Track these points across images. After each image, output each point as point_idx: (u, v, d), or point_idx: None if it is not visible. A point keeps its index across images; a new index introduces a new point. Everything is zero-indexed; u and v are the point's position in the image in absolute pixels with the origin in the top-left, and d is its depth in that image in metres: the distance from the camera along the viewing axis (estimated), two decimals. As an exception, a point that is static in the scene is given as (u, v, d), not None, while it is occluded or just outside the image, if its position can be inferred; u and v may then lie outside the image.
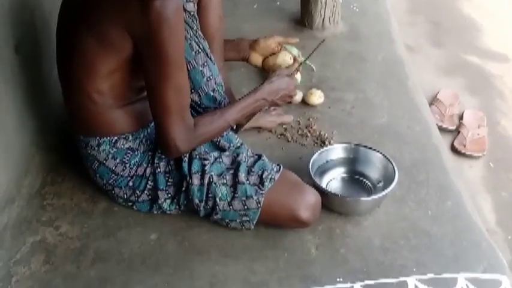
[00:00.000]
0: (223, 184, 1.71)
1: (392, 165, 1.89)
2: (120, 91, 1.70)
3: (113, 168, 1.77)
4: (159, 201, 1.78)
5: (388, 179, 1.87)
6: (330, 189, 1.88)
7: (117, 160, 1.76)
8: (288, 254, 1.71)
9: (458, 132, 2.92)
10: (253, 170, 1.74)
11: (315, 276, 1.65)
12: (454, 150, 2.83)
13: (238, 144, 1.87)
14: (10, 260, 1.69)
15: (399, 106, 2.37)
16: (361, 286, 1.62)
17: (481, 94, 3.27)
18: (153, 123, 1.73)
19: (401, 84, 2.53)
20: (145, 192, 1.78)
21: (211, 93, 1.87)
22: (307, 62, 2.13)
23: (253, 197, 1.70)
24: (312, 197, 1.75)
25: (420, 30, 3.89)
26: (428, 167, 2.04)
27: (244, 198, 1.70)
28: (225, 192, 1.71)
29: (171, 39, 1.54)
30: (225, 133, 1.84)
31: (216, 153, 1.79)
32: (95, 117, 1.73)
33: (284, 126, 2.23)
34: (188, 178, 1.72)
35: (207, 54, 1.88)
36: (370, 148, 1.97)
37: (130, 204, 1.83)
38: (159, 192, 1.76)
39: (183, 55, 1.63)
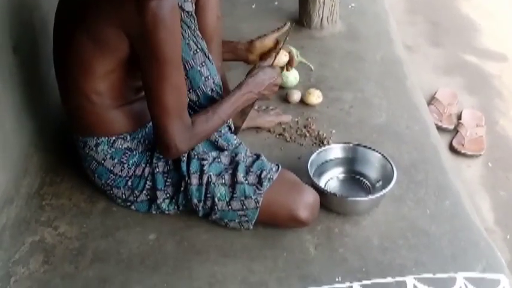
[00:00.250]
0: (222, 184, 1.71)
1: (391, 164, 1.89)
2: (118, 91, 1.70)
3: (111, 168, 1.77)
4: (158, 201, 1.78)
5: (386, 179, 1.87)
6: (328, 189, 1.88)
7: (116, 160, 1.76)
8: (287, 254, 1.71)
9: (457, 131, 2.93)
10: (251, 169, 1.74)
11: (314, 275, 1.65)
12: (452, 149, 2.83)
13: (237, 144, 1.87)
14: (9, 260, 1.69)
15: (398, 106, 2.37)
16: (359, 286, 1.62)
17: (479, 94, 3.27)
18: (151, 123, 1.73)
19: (400, 83, 2.53)
20: (144, 192, 1.78)
21: (210, 93, 1.87)
22: (303, 60, 2.12)
23: (252, 196, 1.70)
24: (310, 197, 1.75)
25: (419, 30, 3.89)
26: (426, 166, 2.04)
27: (242, 198, 1.70)
28: (224, 192, 1.71)
29: (167, 39, 1.54)
30: (223, 132, 1.83)
31: (214, 153, 1.79)
32: (93, 118, 1.73)
33: (282, 126, 2.23)
34: (187, 178, 1.72)
35: (205, 54, 1.88)
36: (369, 148, 1.97)
37: (129, 204, 1.83)
38: (158, 192, 1.76)
39: (180, 55, 1.63)
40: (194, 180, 1.71)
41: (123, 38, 1.58)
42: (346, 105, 2.36)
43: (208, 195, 1.72)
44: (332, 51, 2.74)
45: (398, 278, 1.64)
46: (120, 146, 1.76)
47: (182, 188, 1.73)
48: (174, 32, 1.57)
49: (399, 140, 2.17)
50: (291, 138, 2.18)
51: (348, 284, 1.63)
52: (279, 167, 1.77)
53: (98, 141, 1.75)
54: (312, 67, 2.36)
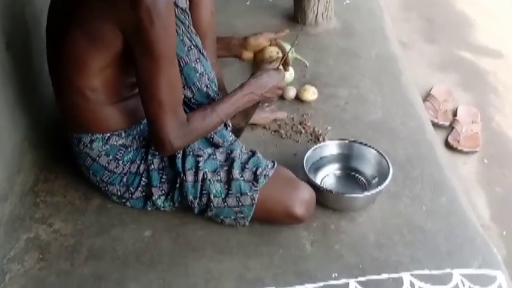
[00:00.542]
0: (218, 181, 1.71)
1: (387, 161, 1.89)
2: (112, 88, 1.69)
3: (106, 165, 1.76)
4: (153, 198, 1.77)
5: (382, 175, 1.87)
6: (324, 186, 1.88)
7: (110, 157, 1.76)
8: (283, 251, 1.71)
9: (452, 128, 2.93)
10: (247, 166, 1.73)
11: (310, 272, 1.65)
12: (448, 146, 2.84)
13: (232, 141, 1.86)
14: (4, 257, 1.68)
15: (393, 102, 2.37)
16: (356, 282, 1.62)
17: (474, 90, 3.28)
18: (146, 120, 1.72)
19: (395, 80, 2.53)
20: (139, 189, 1.78)
21: (205, 89, 1.87)
22: (298, 56, 2.12)
23: (248, 193, 1.69)
24: (306, 193, 1.75)
25: (413, 27, 3.89)
26: (422, 163, 2.04)
27: (238, 195, 1.70)
28: (219, 188, 1.71)
29: (161, 35, 1.54)
30: (218, 129, 1.83)
31: (209, 150, 1.78)
32: (87, 114, 1.72)
33: (278, 122, 2.23)
34: (182, 175, 1.71)
35: (200, 50, 1.87)
36: (365, 144, 1.97)
37: (124, 201, 1.82)
38: (153, 189, 1.76)
39: (175, 51, 1.62)
40: (189, 176, 1.71)
41: (118, 34, 1.57)
42: (342, 101, 2.36)
43: (204, 191, 1.71)
44: (327, 48, 2.73)
45: (394, 275, 1.64)
46: (115, 143, 1.75)
47: (177, 185, 1.73)
48: (169, 27, 1.56)
49: (395, 136, 2.17)
50: (286, 134, 2.17)
51: (344, 280, 1.63)
52: (274, 163, 1.77)
53: (93, 138, 1.74)
54: (307, 64, 2.35)
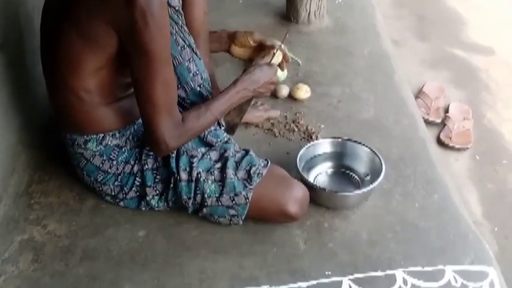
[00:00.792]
0: (211, 180, 1.71)
1: (379, 158, 1.90)
2: (107, 88, 1.69)
3: (100, 165, 1.77)
4: (147, 198, 1.77)
5: (375, 173, 1.88)
6: (317, 184, 1.89)
7: (104, 157, 1.76)
8: (277, 249, 1.72)
9: (444, 125, 2.94)
10: (241, 165, 1.74)
11: (304, 270, 1.66)
12: (440, 142, 2.85)
13: (226, 140, 1.87)
14: (-2, 259, 1.69)
15: (386, 100, 2.38)
16: (349, 280, 1.63)
17: (466, 87, 3.29)
18: (140, 120, 1.72)
19: (388, 78, 2.54)
20: (133, 189, 1.78)
21: (198, 89, 1.87)
22: (291, 54, 2.12)
23: (242, 192, 1.70)
24: (299, 192, 1.76)
25: (405, 24, 3.90)
26: (415, 160, 2.05)
27: (232, 194, 1.70)
28: (213, 188, 1.71)
29: (156, 35, 1.54)
30: (212, 128, 1.83)
31: (203, 149, 1.79)
32: (81, 115, 1.72)
33: (271, 121, 2.23)
34: (176, 174, 1.71)
35: (193, 50, 1.88)
36: (357, 142, 1.98)
37: (118, 201, 1.82)
38: (147, 189, 1.76)
39: (169, 51, 1.62)
40: (184, 176, 1.71)
41: (112, 34, 1.57)
42: (335, 99, 2.36)
43: (198, 191, 1.72)
44: (320, 46, 2.74)
45: (387, 272, 1.65)
46: (109, 143, 1.75)
47: (171, 185, 1.73)
48: (163, 27, 1.56)
49: (387, 134, 2.18)
50: (279, 133, 2.18)
51: (337, 278, 1.63)
52: (268, 162, 1.77)
53: (87, 138, 1.74)
54: (300, 62, 2.36)
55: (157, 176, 1.75)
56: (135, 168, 1.76)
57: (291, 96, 2.35)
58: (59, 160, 1.96)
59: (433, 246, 1.74)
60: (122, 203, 1.82)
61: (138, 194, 1.79)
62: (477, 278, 1.65)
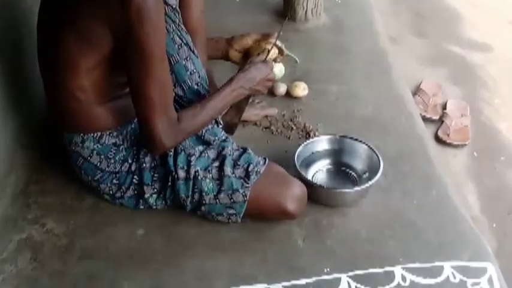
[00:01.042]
0: (209, 178, 1.71)
1: (377, 156, 1.90)
2: (103, 87, 1.69)
3: (98, 164, 1.76)
4: (145, 197, 1.77)
5: (373, 170, 1.88)
6: (315, 181, 1.89)
7: (102, 156, 1.76)
8: (275, 247, 1.72)
9: (442, 121, 2.95)
10: (238, 163, 1.74)
11: (303, 268, 1.65)
12: (437, 139, 2.85)
13: (223, 138, 1.87)
14: (-4, 258, 1.68)
15: (383, 97, 2.38)
16: (348, 277, 1.63)
17: (464, 84, 3.29)
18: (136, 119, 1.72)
19: (385, 75, 2.54)
20: (131, 187, 1.78)
21: (195, 87, 1.87)
22: (288, 52, 2.12)
23: (240, 190, 1.70)
24: (298, 189, 1.76)
25: (402, 21, 3.90)
26: (413, 157, 2.05)
27: (230, 192, 1.70)
28: (211, 186, 1.71)
29: (152, 34, 1.54)
30: (209, 127, 1.83)
31: (201, 147, 1.79)
32: (78, 114, 1.71)
33: (269, 119, 2.23)
34: (174, 173, 1.71)
35: (190, 48, 1.87)
36: (355, 139, 1.98)
37: (116, 200, 1.82)
38: (145, 187, 1.76)
39: (165, 50, 1.62)
40: (181, 174, 1.71)
41: (108, 33, 1.56)
42: (332, 97, 2.37)
43: (196, 189, 1.71)
44: (317, 44, 2.74)
45: (386, 269, 1.65)
46: (107, 142, 1.75)
47: (169, 183, 1.73)
48: (159, 26, 1.56)
49: (385, 131, 2.18)
50: (277, 131, 2.18)
51: (336, 275, 1.64)
52: (266, 160, 1.77)
53: (84, 137, 1.74)
54: (297, 60, 2.36)
55: (155, 175, 1.75)
56: (133, 167, 1.76)
57: (288, 94, 2.35)
58: (57, 159, 1.95)
59: (431, 243, 1.74)
60: (120, 202, 1.82)
61: (136, 192, 1.79)
62: (476, 274, 1.65)
